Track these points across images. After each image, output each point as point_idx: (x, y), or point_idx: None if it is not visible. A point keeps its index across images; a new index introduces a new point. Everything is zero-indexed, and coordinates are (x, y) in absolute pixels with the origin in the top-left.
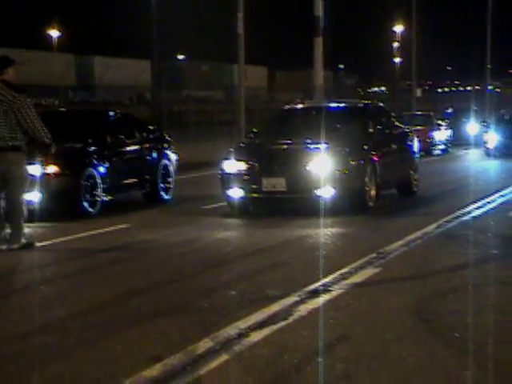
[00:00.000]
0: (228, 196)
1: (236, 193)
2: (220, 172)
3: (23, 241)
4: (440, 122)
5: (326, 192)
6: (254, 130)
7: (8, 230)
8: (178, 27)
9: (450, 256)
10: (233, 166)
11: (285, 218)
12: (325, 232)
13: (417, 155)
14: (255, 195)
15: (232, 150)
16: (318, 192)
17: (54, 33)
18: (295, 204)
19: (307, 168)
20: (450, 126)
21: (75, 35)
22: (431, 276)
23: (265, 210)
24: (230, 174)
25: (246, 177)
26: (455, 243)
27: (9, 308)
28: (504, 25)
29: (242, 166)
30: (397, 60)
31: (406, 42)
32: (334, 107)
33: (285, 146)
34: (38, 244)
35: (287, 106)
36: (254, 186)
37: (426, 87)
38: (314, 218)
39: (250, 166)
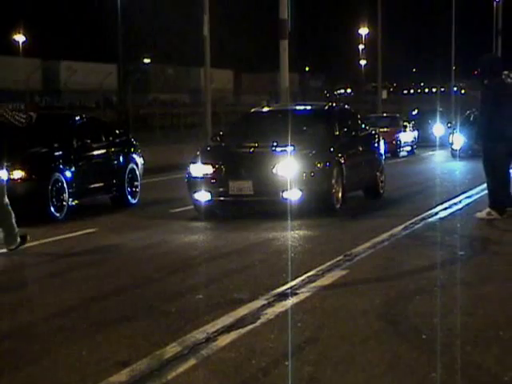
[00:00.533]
0: (195, 199)
1: (203, 196)
2: (187, 175)
3: (18, 239)
4: (406, 123)
5: (293, 195)
6: (221, 133)
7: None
8: (143, 31)
9: (416, 258)
10: (199, 169)
11: (252, 221)
12: (292, 235)
13: (383, 157)
14: (222, 198)
15: (198, 153)
16: (285, 195)
17: (20, 38)
18: (262, 207)
19: (274, 171)
20: (415, 128)
21: (41, 40)
22: (398, 278)
23: (232, 213)
24: (196, 177)
25: (212, 180)
26: (422, 245)
27: None
28: (469, 27)
29: (208, 170)
30: (362, 62)
31: (372, 44)
32: (300, 110)
33: (251, 149)
34: (4, 250)
35: (253, 109)
36: (220, 190)
37: (392, 89)
38: (281, 221)
39: (216, 170)
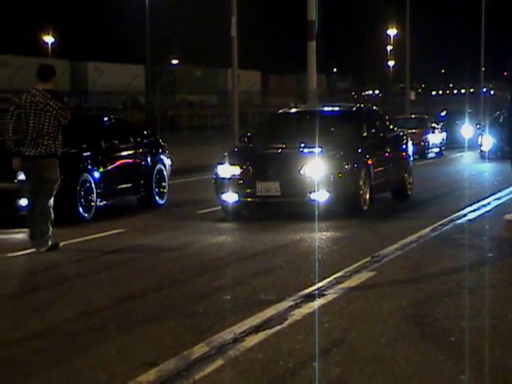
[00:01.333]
0: (222, 200)
1: (230, 197)
2: (214, 176)
3: (50, 243)
4: (434, 124)
5: (321, 196)
6: (248, 134)
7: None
8: (171, 32)
9: (444, 259)
10: (227, 170)
11: (279, 222)
12: (319, 236)
13: (411, 158)
14: (249, 199)
15: (226, 154)
16: (313, 196)
17: (49, 39)
18: (289, 208)
19: (301, 172)
20: (444, 129)
21: (69, 41)
22: (426, 279)
23: (259, 214)
24: (224, 178)
25: (240, 181)
26: (450, 246)
27: (3, 313)
28: (498, 27)
29: (236, 171)
30: (391, 63)
31: (400, 45)
32: (327, 111)
33: (279, 150)
34: (33, 249)
35: (281, 110)
36: (248, 191)
37: (420, 90)
38: (309, 222)
39: (244, 171)
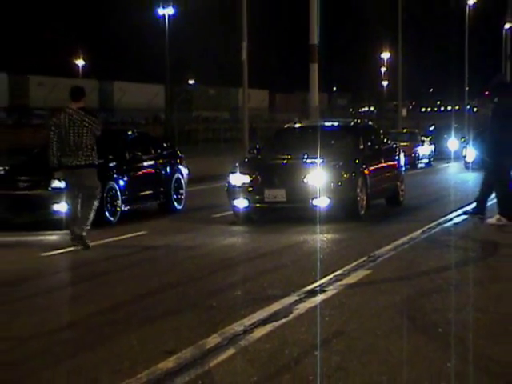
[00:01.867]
0: (234, 206)
1: (241, 203)
2: (226, 184)
3: (85, 234)
4: (424, 138)
5: (322, 202)
6: (257, 146)
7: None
8: (188, 55)
9: (433, 259)
10: (238, 178)
11: (285, 226)
12: (321, 238)
13: (403, 168)
14: (258, 205)
15: (237, 164)
16: (315, 202)
17: (80, 62)
18: (294, 213)
19: (305, 180)
20: (432, 142)
21: (97, 62)
22: (417, 277)
23: (267, 218)
24: (235, 186)
25: (249, 188)
26: (438, 247)
27: (35, 308)
28: (481, 51)
29: (246, 179)
30: (384, 83)
31: (393, 66)
32: (328, 126)
33: (284, 161)
34: (72, 248)
35: (286, 125)
36: (257, 197)
37: (411, 107)
38: (311, 225)
39: (253, 179)
